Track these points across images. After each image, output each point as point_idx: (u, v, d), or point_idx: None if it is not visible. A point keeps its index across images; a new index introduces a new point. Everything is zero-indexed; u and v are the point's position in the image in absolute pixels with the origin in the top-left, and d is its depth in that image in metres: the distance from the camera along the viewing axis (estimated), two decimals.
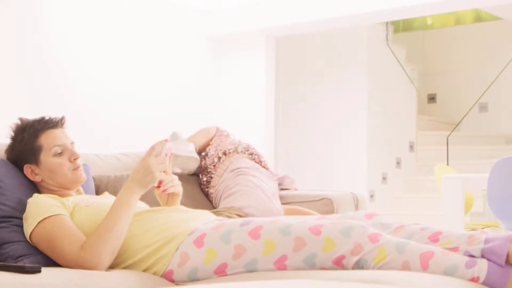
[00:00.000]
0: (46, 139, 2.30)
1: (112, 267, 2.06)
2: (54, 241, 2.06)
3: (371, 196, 6.60)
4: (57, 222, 2.08)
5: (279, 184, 3.40)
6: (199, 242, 1.99)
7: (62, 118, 2.37)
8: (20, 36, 4.74)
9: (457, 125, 7.47)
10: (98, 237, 2.01)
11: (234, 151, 3.32)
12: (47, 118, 2.35)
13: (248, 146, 3.40)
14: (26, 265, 1.87)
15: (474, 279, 1.79)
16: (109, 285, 1.85)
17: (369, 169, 6.58)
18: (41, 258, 2.10)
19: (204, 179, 3.29)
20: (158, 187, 2.23)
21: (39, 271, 1.82)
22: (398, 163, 6.98)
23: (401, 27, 7.86)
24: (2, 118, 2.78)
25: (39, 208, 2.12)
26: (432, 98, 8.06)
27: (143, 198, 2.21)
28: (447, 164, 6.69)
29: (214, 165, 3.29)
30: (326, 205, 3.18)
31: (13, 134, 2.36)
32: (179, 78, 5.78)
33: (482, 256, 1.83)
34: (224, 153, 3.31)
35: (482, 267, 1.80)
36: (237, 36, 6.02)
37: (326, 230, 1.89)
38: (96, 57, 5.18)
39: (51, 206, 2.13)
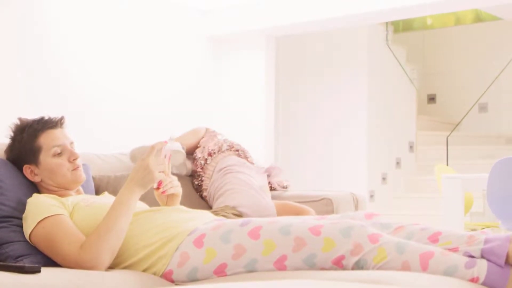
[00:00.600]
0: (45, 139, 2.30)
1: (111, 267, 2.06)
2: (53, 241, 2.05)
3: (371, 196, 6.60)
4: (57, 222, 2.08)
5: (268, 176, 3.40)
6: (198, 242, 1.99)
7: (62, 118, 2.37)
8: (20, 36, 4.74)
9: (457, 125, 7.47)
10: (97, 237, 2.01)
11: (218, 151, 3.33)
12: (46, 118, 2.35)
13: (233, 143, 3.40)
14: (26, 265, 1.87)
15: (473, 280, 1.79)
16: (109, 285, 1.85)
17: (369, 169, 6.58)
18: (41, 258, 2.09)
19: (196, 183, 3.30)
20: (158, 188, 2.23)
21: (39, 271, 1.82)
22: (398, 163, 6.98)
23: (401, 27, 7.86)
24: (2, 117, 2.78)
25: (39, 208, 2.12)
26: (432, 98, 8.06)
27: (142, 198, 2.21)
28: (447, 164, 6.69)
29: (202, 168, 3.30)
30: (326, 205, 3.18)
31: (12, 134, 2.36)
32: (179, 78, 5.78)
33: (482, 257, 1.83)
34: (209, 154, 3.32)
35: (481, 268, 1.80)
36: (237, 36, 6.02)
37: (326, 230, 1.89)
38: (96, 57, 5.17)
39: (51, 206, 2.13)
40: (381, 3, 5.19)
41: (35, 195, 2.22)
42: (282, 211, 3.13)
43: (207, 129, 3.55)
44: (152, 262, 2.02)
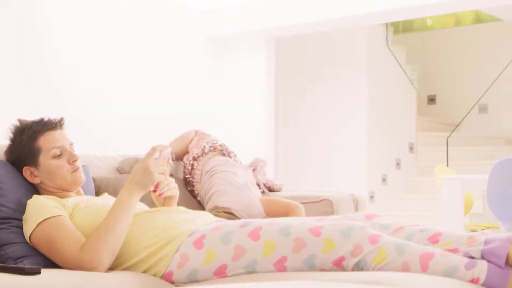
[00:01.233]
0: (45, 141, 2.29)
1: (111, 268, 2.06)
2: (53, 242, 2.05)
3: (371, 197, 6.60)
4: (57, 223, 2.08)
5: (254, 170, 3.39)
6: (198, 243, 1.99)
7: (61, 119, 2.36)
8: (20, 36, 4.74)
9: (457, 126, 7.48)
10: (98, 238, 2.00)
11: (202, 154, 3.32)
12: (46, 119, 2.34)
13: (215, 144, 3.38)
14: (26, 266, 1.87)
15: (473, 281, 1.79)
16: (109, 286, 1.85)
17: (369, 170, 6.58)
18: (41, 259, 2.09)
19: (188, 189, 3.31)
20: (154, 191, 2.23)
21: (39, 273, 1.82)
22: (398, 164, 6.99)
23: (401, 28, 7.86)
24: (2, 118, 2.78)
25: (39, 210, 2.12)
26: (432, 99, 8.07)
27: (142, 199, 2.21)
28: (447, 165, 6.69)
29: (190, 173, 3.30)
30: (326, 206, 3.18)
31: (12, 135, 2.35)
32: (179, 78, 5.78)
33: (482, 257, 1.83)
34: (194, 159, 3.32)
35: (481, 269, 1.80)
36: (237, 36, 6.02)
37: (326, 231, 1.89)
38: (96, 57, 5.18)
39: (51, 208, 2.12)
40: (381, 4, 5.19)
41: (35, 196, 2.22)
42: (269, 207, 3.12)
43: (196, 132, 3.54)
44: (152, 263, 2.02)
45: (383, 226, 2.02)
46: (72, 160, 2.29)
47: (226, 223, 2.06)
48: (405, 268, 1.82)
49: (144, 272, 2.03)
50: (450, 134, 7.10)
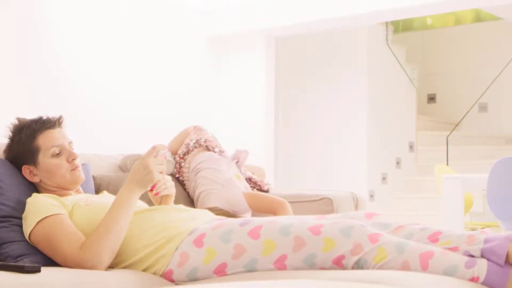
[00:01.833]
0: (44, 140, 2.29)
1: (111, 266, 2.06)
2: (53, 241, 2.05)
3: (371, 196, 6.60)
4: (56, 222, 2.08)
5: (237, 162, 3.37)
6: (198, 242, 1.99)
7: (60, 118, 2.36)
8: (20, 36, 4.74)
9: (457, 125, 7.48)
10: (97, 237, 2.00)
11: (187, 152, 3.31)
12: (44, 118, 2.34)
13: (199, 138, 3.35)
14: (26, 264, 1.87)
15: (473, 279, 1.79)
16: (109, 285, 1.85)
17: (369, 169, 6.58)
18: (41, 257, 2.09)
19: (182, 187, 3.30)
20: (151, 190, 2.23)
21: (39, 271, 1.82)
22: (398, 163, 6.98)
23: (401, 27, 7.86)
24: (2, 117, 2.78)
25: (38, 208, 2.12)
26: (432, 98, 8.06)
27: (140, 197, 2.21)
28: (447, 164, 6.69)
29: (179, 172, 3.29)
30: (326, 205, 3.18)
31: (11, 134, 2.35)
32: (179, 78, 5.78)
33: (482, 256, 1.83)
34: (181, 157, 3.30)
35: (481, 267, 1.80)
36: (237, 36, 6.02)
37: (326, 230, 1.89)
38: (96, 57, 5.17)
39: (50, 206, 2.12)
40: (381, 3, 5.19)
41: (34, 194, 2.22)
42: (254, 202, 3.10)
43: (195, 127, 3.52)
44: (152, 261, 2.02)
45: (383, 225, 2.02)
46: (71, 158, 2.30)
47: (226, 221, 2.06)
48: (405, 267, 1.82)
49: (144, 270, 2.03)
50: (450, 133, 7.10)
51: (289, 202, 3.26)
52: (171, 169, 3.24)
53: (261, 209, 3.07)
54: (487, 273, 1.79)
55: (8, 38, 4.68)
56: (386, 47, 6.95)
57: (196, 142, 3.33)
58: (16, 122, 2.36)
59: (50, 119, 2.34)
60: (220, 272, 1.95)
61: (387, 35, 6.96)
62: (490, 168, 3.79)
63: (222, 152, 3.37)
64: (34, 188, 2.31)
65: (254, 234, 1.95)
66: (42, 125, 2.31)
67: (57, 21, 4.97)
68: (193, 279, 1.97)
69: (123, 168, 3.21)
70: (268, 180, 3.69)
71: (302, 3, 5.53)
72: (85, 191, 2.49)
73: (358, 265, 1.85)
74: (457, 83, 7.84)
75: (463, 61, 7.86)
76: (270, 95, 6.03)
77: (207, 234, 2.00)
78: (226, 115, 5.98)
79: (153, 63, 5.59)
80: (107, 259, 2.00)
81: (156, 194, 2.25)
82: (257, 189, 3.42)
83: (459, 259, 1.82)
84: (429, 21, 8.00)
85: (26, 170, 2.30)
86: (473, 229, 4.59)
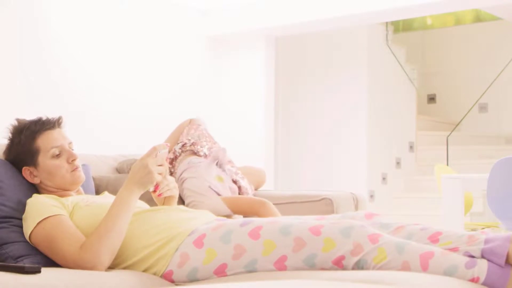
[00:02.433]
0: (43, 141, 2.29)
1: (112, 267, 2.06)
2: (53, 242, 2.05)
3: (371, 196, 6.60)
4: (57, 222, 2.08)
5: (217, 163, 3.29)
6: (199, 242, 1.99)
7: (59, 118, 2.36)
8: (20, 36, 4.74)
9: (457, 125, 7.48)
10: (97, 237, 2.00)
11: (175, 158, 3.24)
12: (44, 119, 2.34)
13: (185, 144, 3.27)
14: (26, 265, 1.87)
15: (474, 280, 1.79)
16: (109, 286, 1.85)
17: (369, 169, 6.58)
18: (41, 258, 2.09)
19: None
20: (154, 191, 2.23)
21: (39, 272, 1.82)
22: (398, 163, 6.98)
23: (401, 27, 7.86)
24: (2, 118, 2.77)
25: (39, 209, 2.12)
26: (432, 98, 8.07)
27: (141, 197, 2.21)
28: (447, 164, 6.69)
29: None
30: (326, 205, 3.18)
31: (10, 135, 2.35)
32: (179, 78, 5.78)
33: (482, 257, 1.83)
34: (170, 163, 3.24)
35: (482, 268, 1.80)
36: (237, 36, 6.02)
37: (326, 231, 1.89)
38: (96, 57, 5.17)
39: (51, 207, 2.12)
40: (381, 3, 5.19)
41: (34, 195, 2.22)
42: (234, 205, 3.04)
43: (190, 121, 3.48)
44: (152, 262, 2.02)
45: (383, 225, 2.02)
46: (71, 159, 2.29)
47: (226, 222, 2.06)
48: (405, 267, 1.82)
49: (144, 271, 2.03)
50: (450, 133, 7.10)
51: (289, 203, 3.25)
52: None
53: (242, 211, 3.02)
54: (487, 274, 1.79)
55: (8, 39, 4.68)
56: (386, 47, 6.95)
57: (183, 146, 3.27)
58: (16, 123, 2.35)
59: (50, 120, 2.34)
60: (220, 272, 1.95)
61: (387, 35, 6.96)
62: (490, 168, 3.79)
63: (211, 148, 3.29)
64: (35, 188, 2.31)
65: (254, 234, 1.95)
66: (42, 126, 2.31)
67: (57, 21, 4.97)
68: (193, 280, 1.97)
69: (120, 171, 3.20)
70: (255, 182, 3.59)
71: (302, 3, 5.53)
72: (86, 192, 2.49)
73: (358, 266, 1.85)
74: (457, 83, 7.84)
75: (463, 61, 7.86)
76: (270, 95, 6.03)
77: (207, 235, 2.00)
78: (226, 115, 5.98)
79: (153, 63, 5.59)
80: (107, 260, 2.00)
81: (159, 195, 2.25)
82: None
83: (459, 260, 1.82)
84: (429, 21, 8.01)
85: (26, 171, 2.30)
86: (473, 229, 4.59)
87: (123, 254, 2.06)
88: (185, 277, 1.98)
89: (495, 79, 7.21)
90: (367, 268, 1.84)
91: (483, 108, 7.59)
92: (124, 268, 2.06)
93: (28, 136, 2.29)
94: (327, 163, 6.64)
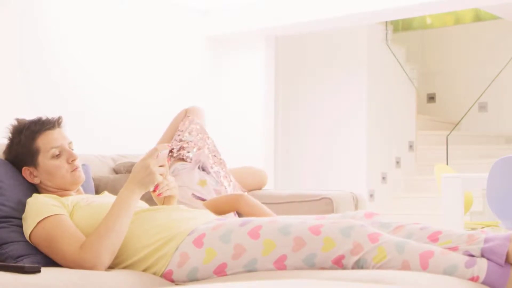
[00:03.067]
0: (43, 141, 2.29)
1: (111, 267, 2.06)
2: (53, 241, 2.05)
3: (371, 195, 6.60)
4: (57, 222, 2.08)
5: (201, 167, 3.22)
6: (198, 242, 1.99)
7: (59, 118, 2.36)
8: (20, 36, 4.74)
9: (457, 124, 7.48)
10: (98, 237, 2.00)
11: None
12: (44, 118, 2.34)
13: (172, 149, 3.19)
14: (26, 265, 1.87)
15: (473, 279, 1.79)
16: (109, 285, 1.85)
17: (368, 168, 6.58)
18: (41, 258, 2.09)
19: None
20: (154, 190, 2.23)
21: (39, 271, 1.82)
22: (397, 162, 6.99)
23: (401, 26, 7.86)
24: (2, 118, 2.78)
25: (39, 208, 2.12)
26: (431, 98, 8.07)
27: (141, 197, 2.21)
28: (447, 164, 6.69)
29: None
30: (326, 205, 3.17)
31: (10, 135, 2.34)
32: (179, 78, 5.78)
33: (482, 256, 1.83)
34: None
35: (481, 267, 1.80)
36: (237, 36, 6.02)
37: (326, 230, 1.89)
38: (96, 57, 5.17)
39: (51, 206, 2.12)
40: (381, 2, 5.19)
41: (34, 195, 2.22)
42: (212, 208, 2.93)
43: (187, 111, 3.43)
44: (152, 262, 2.02)
45: (383, 224, 2.02)
46: (71, 159, 2.29)
47: (226, 221, 2.06)
48: (405, 266, 1.82)
49: (144, 270, 2.03)
50: (450, 133, 7.10)
51: (289, 202, 3.25)
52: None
53: (222, 211, 2.96)
54: (487, 273, 1.79)
55: (8, 38, 4.68)
56: (385, 47, 6.95)
57: (170, 152, 3.19)
58: (15, 123, 2.35)
59: (50, 119, 2.34)
60: (220, 272, 1.95)
61: (386, 35, 6.96)
62: (490, 167, 3.79)
63: (199, 149, 3.24)
64: (35, 188, 2.31)
65: (254, 234, 1.95)
66: (42, 126, 2.31)
67: (57, 21, 4.97)
68: (193, 279, 1.97)
69: (117, 172, 3.19)
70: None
71: (301, 3, 5.53)
72: (86, 192, 2.49)
73: (358, 265, 1.85)
74: (457, 82, 7.84)
75: (462, 60, 7.86)
76: (270, 95, 6.04)
77: (207, 234, 2.00)
78: (226, 115, 5.98)
79: (153, 63, 5.59)
80: (107, 259, 2.00)
81: (159, 195, 2.25)
82: None
83: (459, 259, 1.82)
84: (428, 21, 8.01)
85: (26, 171, 2.30)
86: (473, 229, 4.59)
87: (123, 253, 2.06)
88: (185, 276, 1.98)
89: (494, 79, 7.21)
90: (367, 268, 1.84)
91: (483, 107, 7.59)
92: (124, 267, 2.06)
93: (28, 136, 2.29)
94: (327, 162, 6.64)
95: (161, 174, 2.13)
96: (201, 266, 1.96)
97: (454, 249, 1.87)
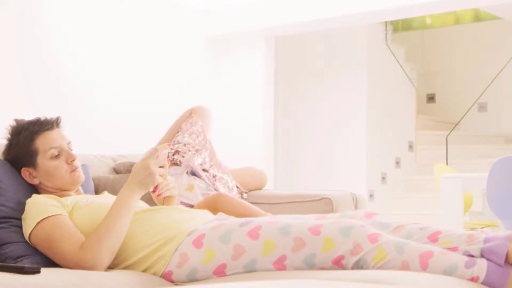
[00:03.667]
0: (42, 142, 2.29)
1: (111, 267, 2.06)
2: (53, 242, 2.05)
3: (371, 195, 6.60)
4: (56, 222, 2.08)
5: (190, 171, 3.19)
6: (198, 242, 1.99)
7: (58, 118, 2.35)
8: (19, 36, 4.74)
9: (457, 124, 7.48)
10: (97, 237, 2.00)
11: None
12: (42, 119, 2.34)
13: (168, 154, 3.13)
14: (26, 265, 1.87)
15: (473, 279, 1.79)
16: (109, 285, 1.85)
17: (368, 168, 6.58)
18: (41, 258, 2.09)
19: None
20: (153, 191, 2.23)
21: (39, 272, 1.82)
22: (397, 162, 6.99)
23: (401, 26, 7.86)
24: (2, 118, 2.78)
25: (38, 209, 2.12)
26: (431, 98, 8.07)
27: (141, 197, 2.21)
28: (447, 164, 6.69)
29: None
30: (325, 205, 3.18)
31: (9, 136, 2.34)
32: (179, 78, 5.78)
33: (482, 256, 1.83)
34: None
35: (481, 267, 1.80)
36: (237, 36, 6.02)
37: (326, 230, 1.89)
38: (96, 57, 5.18)
39: (50, 207, 2.12)
40: (381, 2, 5.19)
41: (34, 195, 2.22)
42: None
43: (191, 111, 3.43)
44: (151, 262, 2.02)
45: (382, 224, 2.02)
46: (70, 160, 2.29)
47: (225, 222, 2.06)
48: (405, 266, 1.82)
49: (144, 271, 2.03)
50: (449, 133, 7.10)
51: (289, 202, 3.25)
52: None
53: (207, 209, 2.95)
54: (486, 273, 1.79)
55: (8, 38, 4.68)
56: (385, 47, 6.95)
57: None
58: (14, 123, 2.35)
59: (48, 120, 2.33)
60: (220, 272, 1.95)
61: (386, 35, 6.96)
62: (490, 167, 3.79)
63: (198, 151, 3.21)
64: (34, 189, 2.31)
65: (254, 234, 1.94)
66: (40, 127, 2.30)
67: (57, 21, 4.97)
68: (193, 280, 1.97)
69: (118, 171, 3.19)
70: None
71: (301, 3, 5.53)
72: (85, 192, 2.49)
73: (358, 265, 1.85)
74: (457, 82, 7.84)
75: (462, 60, 7.86)
76: (269, 95, 6.04)
77: (207, 235, 1.99)
78: (226, 115, 5.98)
79: (153, 63, 5.59)
80: (107, 260, 2.00)
81: (159, 195, 2.25)
82: None
83: (459, 259, 1.82)
84: (428, 21, 8.01)
85: (25, 172, 2.30)
86: (472, 229, 4.59)
87: (123, 254, 2.06)
88: (184, 277, 1.98)
89: (494, 78, 7.21)
90: (367, 268, 1.84)
91: (482, 107, 7.59)
92: (124, 268, 2.06)
93: (26, 138, 2.29)
94: (326, 162, 6.64)
95: (161, 175, 2.13)
96: (201, 266, 1.96)
97: (454, 249, 1.87)
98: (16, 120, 2.36)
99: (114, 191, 2.40)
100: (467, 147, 7.14)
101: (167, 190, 2.25)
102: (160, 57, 5.64)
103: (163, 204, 2.32)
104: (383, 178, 6.78)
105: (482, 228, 4.69)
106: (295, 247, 1.89)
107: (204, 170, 3.22)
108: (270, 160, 6.01)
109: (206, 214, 2.25)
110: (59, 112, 2.43)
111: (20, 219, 2.17)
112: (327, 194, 3.22)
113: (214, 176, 3.23)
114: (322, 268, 1.88)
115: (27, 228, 2.11)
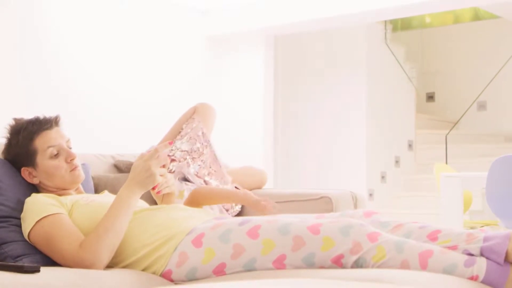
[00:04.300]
0: (41, 141, 2.29)
1: (111, 266, 2.06)
2: (52, 240, 2.05)
3: (370, 195, 6.60)
4: (56, 221, 2.08)
5: (183, 179, 3.20)
6: (197, 241, 1.99)
7: (57, 117, 2.35)
8: (20, 36, 4.74)
9: (456, 123, 7.48)
10: (97, 236, 2.00)
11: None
12: (41, 118, 2.33)
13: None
14: (25, 264, 1.88)
15: (473, 278, 1.79)
16: (108, 285, 1.85)
17: (368, 168, 6.59)
18: (40, 257, 2.10)
19: None
20: (153, 188, 2.23)
21: (38, 271, 1.82)
22: (397, 162, 6.99)
23: (400, 26, 7.86)
24: (2, 117, 2.78)
25: (37, 208, 2.12)
26: (431, 97, 8.07)
27: (141, 196, 2.21)
28: (446, 163, 6.69)
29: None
30: (325, 204, 3.17)
31: (8, 136, 2.34)
32: (179, 78, 5.78)
33: (481, 255, 1.83)
34: None
35: (481, 266, 1.80)
36: (237, 36, 6.02)
37: (325, 229, 1.89)
38: (96, 57, 5.18)
39: (49, 206, 2.12)
40: (380, 2, 5.19)
41: (33, 194, 2.22)
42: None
43: (195, 110, 3.42)
44: (151, 261, 2.02)
45: (382, 223, 2.02)
46: (69, 159, 2.29)
47: (225, 221, 2.06)
48: (404, 265, 1.82)
49: (143, 270, 2.03)
50: (449, 132, 7.11)
51: (289, 201, 3.24)
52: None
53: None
54: (486, 272, 1.79)
55: (8, 38, 4.69)
56: (385, 46, 6.95)
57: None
58: (13, 123, 2.35)
59: (47, 119, 2.33)
60: (219, 272, 1.95)
61: (385, 34, 6.96)
62: (489, 166, 3.79)
63: (190, 162, 3.19)
64: (34, 188, 2.31)
65: (253, 233, 1.94)
66: (39, 126, 2.30)
67: (57, 21, 4.97)
68: (192, 279, 1.97)
69: (118, 167, 3.18)
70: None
71: (301, 2, 5.54)
72: (85, 191, 2.49)
73: (357, 264, 1.85)
74: (456, 81, 7.85)
75: (462, 59, 7.86)
76: (269, 94, 6.04)
77: (206, 234, 1.99)
78: (226, 115, 5.98)
79: (153, 63, 5.59)
80: (106, 258, 2.00)
81: (158, 192, 2.25)
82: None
83: (458, 258, 1.82)
84: (427, 20, 8.01)
85: (25, 172, 2.30)
86: (472, 228, 4.59)
87: (122, 253, 2.06)
88: (184, 276, 1.98)
89: (493, 77, 7.22)
90: (366, 267, 1.84)
91: (482, 106, 7.60)
92: (123, 267, 2.06)
93: (25, 137, 2.29)
94: (326, 162, 6.64)
95: (161, 175, 2.13)
96: (200, 266, 1.96)
97: (453, 248, 1.87)
98: (15, 119, 2.36)
99: (114, 190, 2.40)
100: (466, 146, 7.14)
101: (167, 187, 2.26)
102: (160, 57, 5.65)
103: (162, 201, 2.32)
104: (383, 177, 6.78)
105: (482, 227, 4.69)
106: (295, 246, 1.89)
107: (198, 177, 3.21)
108: (270, 160, 6.01)
109: (206, 213, 2.25)
110: (59, 112, 2.43)
111: (20, 218, 2.17)
112: (327, 193, 3.22)
113: (205, 182, 3.21)
114: (322, 267, 1.88)
115: (26, 227, 2.11)
